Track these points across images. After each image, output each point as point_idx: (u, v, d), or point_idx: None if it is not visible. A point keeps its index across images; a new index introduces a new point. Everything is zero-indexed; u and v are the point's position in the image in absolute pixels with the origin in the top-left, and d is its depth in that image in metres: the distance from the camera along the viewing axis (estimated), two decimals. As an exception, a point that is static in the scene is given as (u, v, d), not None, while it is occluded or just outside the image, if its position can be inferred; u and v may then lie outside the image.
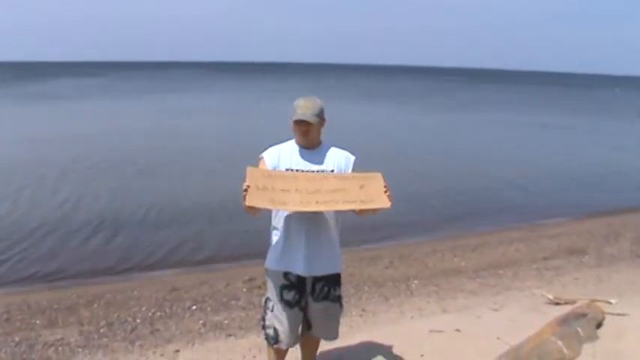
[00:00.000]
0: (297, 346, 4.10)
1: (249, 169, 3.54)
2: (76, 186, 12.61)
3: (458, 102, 46.57)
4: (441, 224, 10.77)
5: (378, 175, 3.65)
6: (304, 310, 3.86)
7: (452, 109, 37.62)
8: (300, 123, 3.68)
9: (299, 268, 3.71)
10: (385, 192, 3.59)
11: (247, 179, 3.48)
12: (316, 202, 3.50)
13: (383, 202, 3.56)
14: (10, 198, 11.46)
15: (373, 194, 3.58)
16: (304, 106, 3.67)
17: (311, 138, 3.74)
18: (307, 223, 3.69)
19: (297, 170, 3.69)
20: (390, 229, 9.58)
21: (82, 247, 9.00)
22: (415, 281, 7.39)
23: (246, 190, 3.44)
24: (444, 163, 17.53)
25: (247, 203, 3.42)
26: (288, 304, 3.78)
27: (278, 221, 3.79)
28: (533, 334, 4.71)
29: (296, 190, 3.51)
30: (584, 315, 5.11)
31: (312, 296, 3.82)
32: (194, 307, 6.47)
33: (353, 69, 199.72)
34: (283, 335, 3.84)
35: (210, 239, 9.45)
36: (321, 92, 4.19)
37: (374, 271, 7.84)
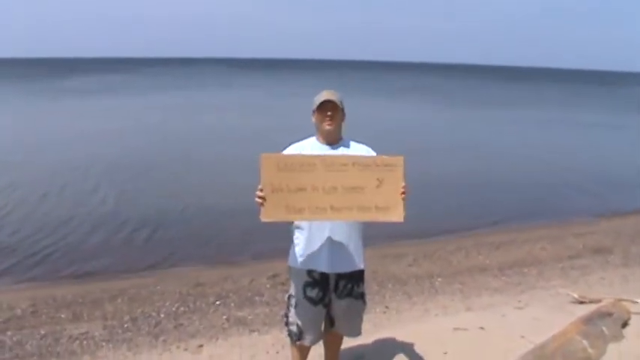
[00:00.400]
0: (321, 343, 4.10)
1: (264, 157, 3.52)
2: (100, 182, 12.75)
3: (481, 99, 46.23)
4: (465, 221, 10.68)
5: (400, 162, 3.57)
6: (327, 306, 3.86)
7: (476, 106, 37.35)
8: (326, 104, 3.67)
9: (323, 266, 3.71)
10: (402, 193, 3.54)
11: (262, 172, 3.49)
12: (331, 208, 3.51)
13: (397, 215, 3.55)
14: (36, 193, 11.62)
15: (389, 199, 3.54)
16: (327, 93, 3.70)
17: (335, 125, 3.72)
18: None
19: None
20: (414, 226, 9.51)
21: (106, 242, 9.08)
22: (439, 279, 7.37)
23: (260, 198, 3.46)
24: (470, 159, 17.34)
25: (263, 219, 3.49)
26: (311, 302, 3.78)
27: (300, 219, 3.79)
28: (557, 333, 4.67)
29: (312, 188, 3.51)
30: (609, 314, 5.06)
31: (336, 293, 3.81)
32: (218, 303, 6.51)
33: (355, 65, 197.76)
34: (306, 332, 3.86)
35: (234, 235, 9.45)
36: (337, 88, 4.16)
37: (397, 269, 7.83)
